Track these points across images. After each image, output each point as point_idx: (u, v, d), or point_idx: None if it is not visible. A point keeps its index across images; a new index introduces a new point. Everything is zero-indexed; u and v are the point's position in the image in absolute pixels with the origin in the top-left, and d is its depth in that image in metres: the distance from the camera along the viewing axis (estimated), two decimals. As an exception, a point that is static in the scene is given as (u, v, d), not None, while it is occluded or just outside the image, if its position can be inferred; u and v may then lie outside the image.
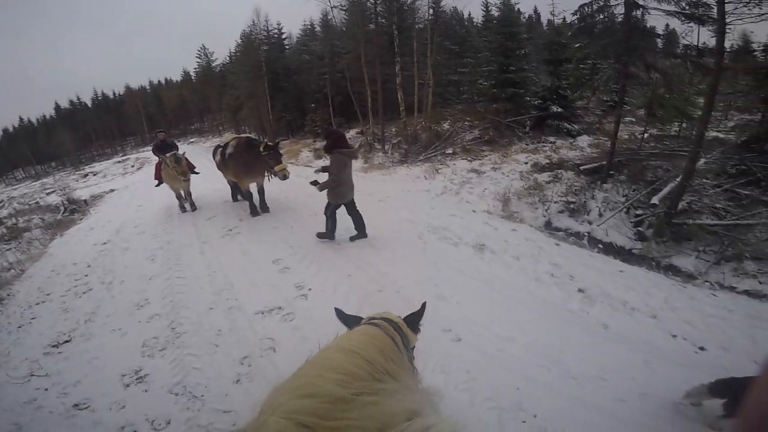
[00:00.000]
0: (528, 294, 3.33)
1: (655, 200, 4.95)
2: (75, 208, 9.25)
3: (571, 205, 5.32)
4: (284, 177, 5.21)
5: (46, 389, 2.74)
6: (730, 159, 5.30)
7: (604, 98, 9.07)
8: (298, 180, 6.13)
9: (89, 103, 51.95)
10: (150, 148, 7.44)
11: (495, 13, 13.63)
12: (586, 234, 4.73)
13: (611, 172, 5.86)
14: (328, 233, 4.58)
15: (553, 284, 3.43)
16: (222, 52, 49.32)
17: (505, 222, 5.04)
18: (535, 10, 33.11)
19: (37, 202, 11.08)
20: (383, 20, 13.49)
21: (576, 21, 6.68)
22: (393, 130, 11.49)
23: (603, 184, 5.71)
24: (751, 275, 3.63)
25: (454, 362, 2.49)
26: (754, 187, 4.83)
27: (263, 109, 19.02)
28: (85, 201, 10.18)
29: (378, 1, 11.13)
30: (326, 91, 15.45)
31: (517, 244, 4.31)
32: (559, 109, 9.43)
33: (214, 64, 37.31)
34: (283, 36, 21.55)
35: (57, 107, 51.77)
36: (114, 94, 52.40)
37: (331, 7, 14.37)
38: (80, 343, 3.30)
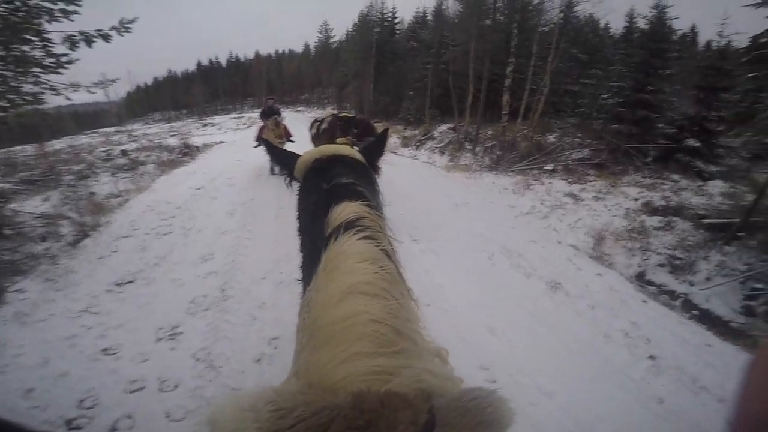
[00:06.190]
0: (590, 349, 2.84)
1: (788, 280, 3.83)
2: (187, 152, 10.51)
3: (676, 261, 4.39)
4: None
5: (90, 328, 2.87)
6: None
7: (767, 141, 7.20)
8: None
9: (224, 64, 59.61)
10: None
11: (641, 25, 11.76)
12: (682, 296, 3.89)
13: (740, 234, 4.65)
14: None
15: (624, 345, 2.90)
16: (341, 29, 51.80)
17: (591, 263, 4.30)
18: (693, 29, 27.76)
19: (160, 142, 12.77)
20: (502, 17, 12.59)
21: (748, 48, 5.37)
22: (489, 132, 10.76)
23: (725, 246, 4.57)
24: None
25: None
26: None
27: (366, 89, 19.52)
28: (197, 147, 11.52)
29: (499, -3, 10.35)
30: (427, 80, 15.18)
31: (598, 291, 3.65)
32: (697, 144, 7.84)
33: (331, 41, 39.45)
34: (396, 21, 21.65)
35: (198, 64, 60.53)
36: (245, 58, 59.22)
37: (449, -3, 13.88)
38: (141, 286, 3.50)
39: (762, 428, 0.39)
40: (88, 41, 4.80)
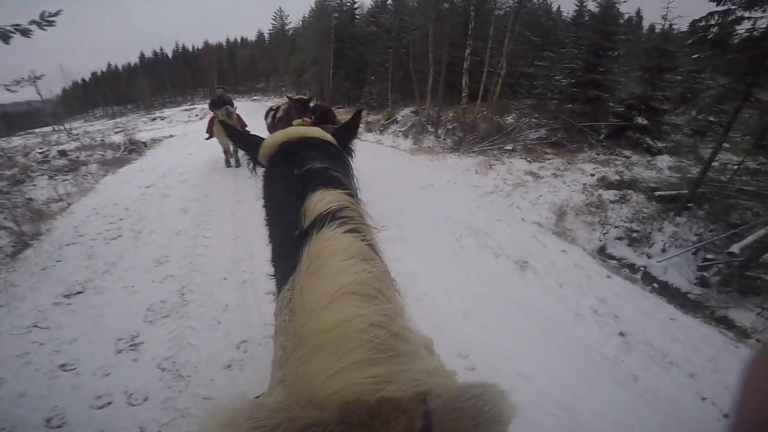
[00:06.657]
0: (563, 329, 2.91)
1: (734, 248, 4.10)
2: (134, 149, 9.73)
3: (634, 234, 4.63)
4: None
5: (42, 344, 2.69)
6: None
7: (711, 119, 7.66)
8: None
9: (170, 55, 55.86)
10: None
11: (591, 8, 12.25)
12: (641, 268, 4.10)
13: (689, 204, 4.98)
14: None
15: (594, 323, 3.00)
16: (297, 16, 50.00)
17: (555, 239, 4.44)
18: (638, 12, 29.30)
19: (102, 139, 11.73)
20: (459, 0, 12.62)
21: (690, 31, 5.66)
22: (450, 114, 10.81)
23: (676, 217, 4.88)
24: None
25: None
26: None
27: (325, 75, 19.06)
28: (144, 143, 10.69)
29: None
30: (388, 65, 15.01)
31: (564, 268, 3.76)
32: (645, 122, 8.28)
33: (287, 27, 37.99)
34: (355, 5, 21.15)
35: (142, 56, 56.37)
36: (193, 48, 55.79)
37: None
38: (91, 296, 3.28)
39: (763, 428, 0.38)
40: (3, 37, 4.24)
